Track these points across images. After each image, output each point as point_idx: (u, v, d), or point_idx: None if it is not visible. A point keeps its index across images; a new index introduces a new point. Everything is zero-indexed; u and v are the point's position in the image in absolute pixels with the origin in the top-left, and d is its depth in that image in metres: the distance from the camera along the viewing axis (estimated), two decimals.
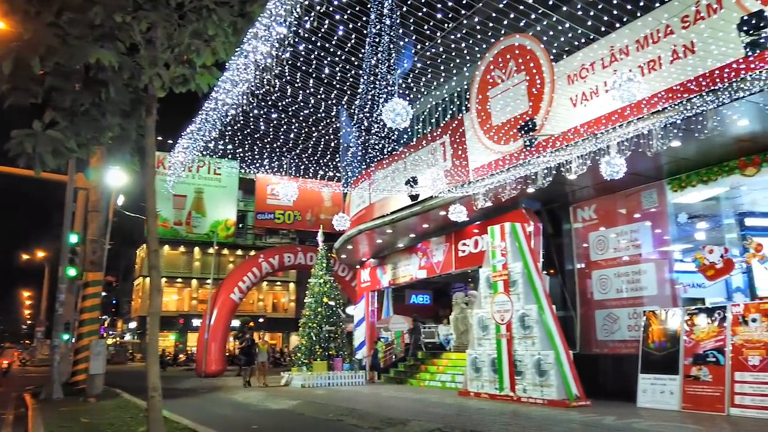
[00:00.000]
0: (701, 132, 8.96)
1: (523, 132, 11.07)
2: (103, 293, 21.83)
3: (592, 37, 10.92)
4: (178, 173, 15.91)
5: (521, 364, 12.14)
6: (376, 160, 20.02)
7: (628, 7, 9.80)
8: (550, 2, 10.19)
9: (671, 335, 10.64)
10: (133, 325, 50.38)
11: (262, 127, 13.71)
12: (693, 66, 9.18)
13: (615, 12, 10.16)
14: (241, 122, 12.62)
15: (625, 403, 10.76)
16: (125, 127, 6.02)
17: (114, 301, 59.52)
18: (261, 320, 47.24)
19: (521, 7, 10.45)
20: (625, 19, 10.26)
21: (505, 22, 11.64)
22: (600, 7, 10.03)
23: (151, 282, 5.87)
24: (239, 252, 49.74)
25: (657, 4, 9.82)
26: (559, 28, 11.67)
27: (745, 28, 7.15)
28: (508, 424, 9.05)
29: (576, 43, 11.94)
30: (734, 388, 9.27)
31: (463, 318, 17.99)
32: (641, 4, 9.90)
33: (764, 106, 8.34)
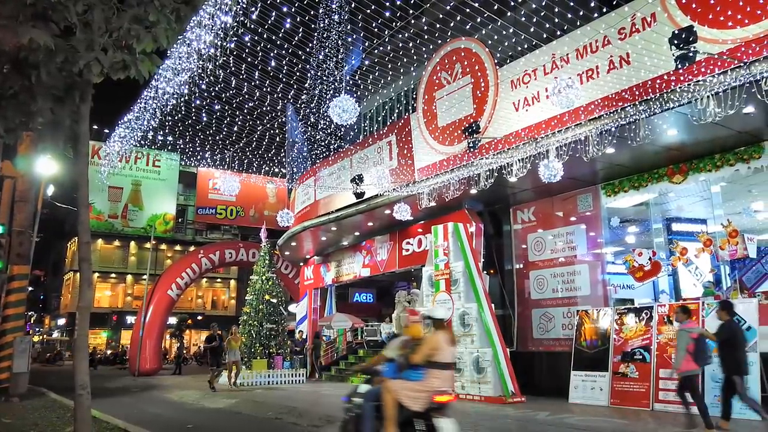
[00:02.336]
0: (634, 140, 9.39)
1: (467, 134, 11.28)
2: (30, 288, 20.72)
3: (534, 43, 11.25)
4: (113, 164, 15.32)
5: (460, 362, 12.35)
6: (322, 156, 19.90)
7: (569, 16, 10.14)
8: (495, 7, 10.42)
9: (602, 334, 11.10)
10: (61, 321, 48.03)
11: (205, 119, 13.38)
12: (628, 76, 9.61)
13: (557, 20, 10.50)
14: (183, 113, 12.27)
15: (558, 399, 11.15)
16: (57, 113, 5.73)
17: (42, 297, 56.57)
18: (200, 317, 46.03)
19: (468, 11, 10.64)
20: (566, 28, 10.62)
21: (452, 25, 11.82)
22: (543, 14, 10.34)
23: (82, 275, 5.61)
24: (178, 247, 48.29)
25: (596, 15, 10.21)
26: (504, 33, 11.97)
27: (675, 42, 7.54)
28: None
29: (519, 48, 12.28)
30: (659, 384, 9.78)
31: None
32: (581, 14, 10.28)
33: (692, 117, 8.83)
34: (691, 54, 7.48)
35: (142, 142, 13.18)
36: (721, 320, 8.14)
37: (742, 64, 7.95)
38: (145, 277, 31.22)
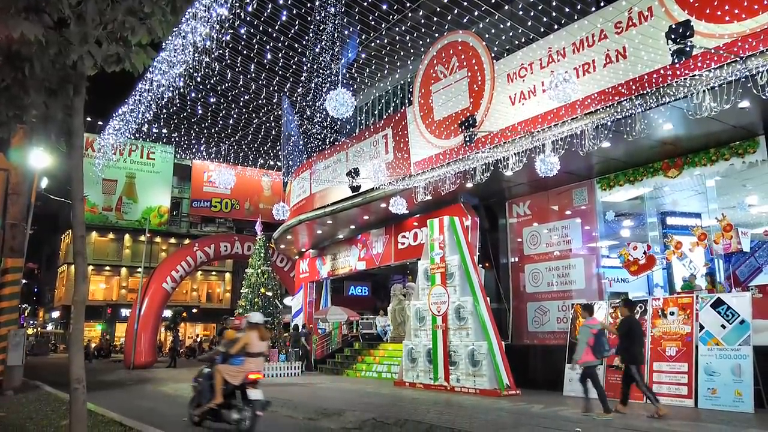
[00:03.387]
0: (630, 134, 9.40)
1: (463, 128, 11.26)
2: (24, 281, 20.61)
3: (531, 37, 11.22)
4: (108, 156, 15.23)
5: (455, 355, 12.41)
6: (317, 150, 19.85)
7: (566, 9, 10.12)
8: (492, 0, 10.38)
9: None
10: (56, 314, 47.89)
11: (200, 112, 13.29)
12: (624, 70, 9.61)
13: (554, 14, 10.48)
14: (178, 105, 12.19)
15: (552, 392, 11.21)
16: (51, 106, 5.67)
17: (36, 290, 56.34)
18: (194, 310, 45.99)
19: (464, 4, 10.60)
20: (563, 22, 10.60)
21: (449, 18, 11.78)
22: (540, 8, 10.31)
23: (77, 269, 5.57)
24: (173, 240, 48.12)
25: (593, 9, 10.19)
26: (501, 26, 11.94)
27: (672, 37, 7.54)
28: (441, 413, 9.24)
29: (516, 42, 12.25)
30: (652, 377, 9.84)
31: (401, 309, 18.20)
32: (579, 7, 10.25)
33: (688, 112, 8.83)
34: (687, 48, 7.50)
35: (137, 134, 13.08)
36: (622, 316, 9.16)
37: (738, 59, 7.95)
38: (139, 269, 31.12)
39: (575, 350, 9.01)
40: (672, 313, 10.01)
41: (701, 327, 9.49)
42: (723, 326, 9.22)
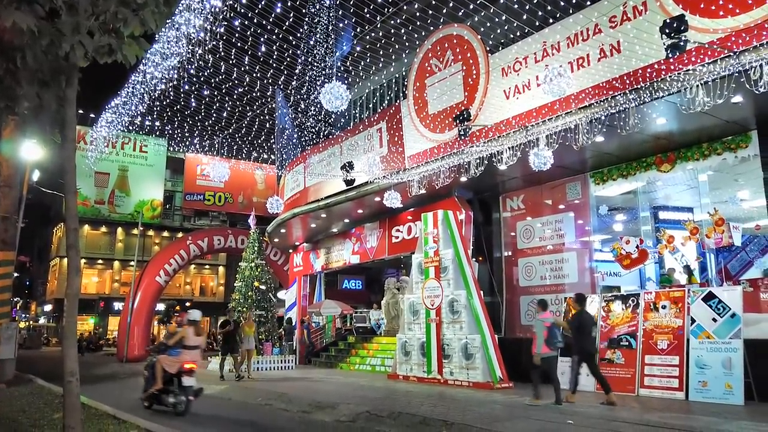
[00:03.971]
0: (623, 128, 9.43)
1: (458, 121, 11.26)
2: (16, 274, 20.46)
3: (526, 30, 11.21)
4: (100, 149, 15.14)
5: (449, 348, 12.45)
6: (312, 143, 19.80)
7: (561, 3, 10.11)
8: None
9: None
10: (48, 307, 47.67)
11: (194, 104, 13.21)
12: (618, 65, 9.62)
13: (549, 8, 10.47)
14: (171, 98, 12.11)
15: (545, 384, 11.25)
16: (43, 97, 5.63)
17: (27, 283, 56.03)
18: (188, 304, 45.82)
19: None
20: (558, 15, 10.59)
21: (444, 11, 11.75)
22: (535, 2, 10.30)
23: (70, 262, 5.55)
24: (166, 234, 47.96)
25: (588, 3, 10.19)
26: (496, 20, 11.92)
27: (666, 31, 7.55)
28: (434, 406, 9.28)
29: (511, 36, 12.24)
30: (644, 370, 9.93)
31: (395, 303, 18.22)
32: (573, 1, 10.25)
33: (681, 106, 8.87)
34: (681, 43, 7.51)
35: (130, 127, 13.01)
36: (574, 310, 9.64)
37: (731, 54, 7.98)
38: (132, 263, 31.00)
39: (534, 344, 9.49)
40: (664, 307, 10.08)
41: (692, 320, 9.56)
42: (714, 320, 9.29)
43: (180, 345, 9.57)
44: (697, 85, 8.26)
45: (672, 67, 8.64)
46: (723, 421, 7.36)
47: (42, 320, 50.16)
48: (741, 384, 8.67)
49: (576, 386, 9.45)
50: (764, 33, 7.84)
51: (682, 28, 7.45)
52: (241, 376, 14.70)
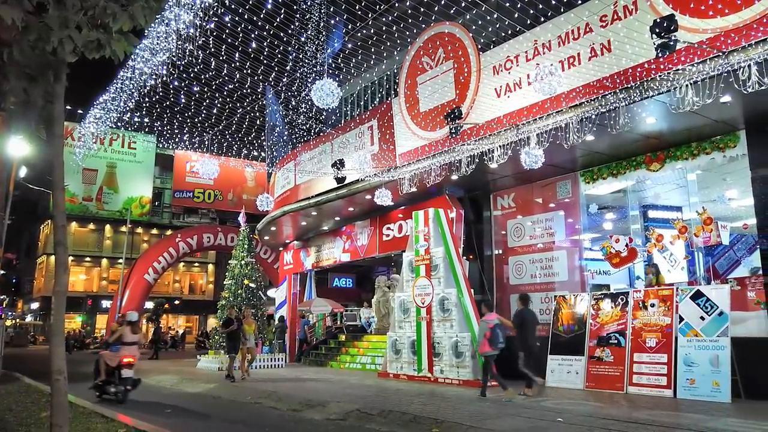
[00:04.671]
0: (613, 127, 9.47)
1: (449, 120, 11.25)
2: (2, 271, 20.25)
3: (518, 29, 11.22)
4: (88, 145, 14.99)
5: (439, 346, 12.47)
6: (302, 140, 19.72)
7: (553, 2, 10.13)
8: None
9: (579, 319, 11.28)
10: (35, 305, 47.21)
11: (183, 101, 13.10)
12: (609, 64, 9.66)
13: (540, 6, 10.48)
14: (161, 94, 12.01)
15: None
16: (30, 92, 5.55)
17: (14, 280, 55.42)
18: (177, 302, 45.64)
19: None
20: (549, 14, 10.61)
21: (436, 9, 11.73)
22: (527, 1, 10.31)
23: (58, 259, 5.48)
24: (154, 231, 47.65)
25: (579, 2, 10.22)
26: (487, 18, 11.92)
27: (656, 31, 7.59)
28: (424, 404, 9.30)
29: (502, 34, 12.25)
30: (633, 368, 10.00)
31: (385, 301, 18.22)
32: (565, 0, 10.27)
33: (671, 106, 8.92)
34: (671, 43, 7.55)
35: (118, 123, 12.87)
36: (519, 308, 10.56)
37: (720, 54, 8.03)
38: (120, 261, 30.80)
39: (477, 342, 10.49)
40: (652, 305, 10.15)
41: (681, 318, 9.64)
42: (702, 318, 9.38)
43: (119, 342, 11.00)
44: (687, 85, 8.30)
45: (662, 67, 8.69)
46: (710, 418, 7.43)
47: (29, 318, 49.67)
48: (728, 381, 8.75)
49: (531, 380, 10.07)
50: (753, 33, 7.90)
51: (672, 27, 7.49)
52: (241, 377, 14.42)
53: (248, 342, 14.78)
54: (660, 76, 8.73)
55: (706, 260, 12.52)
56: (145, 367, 19.33)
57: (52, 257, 40.05)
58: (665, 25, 7.53)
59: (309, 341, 20.67)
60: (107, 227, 45.73)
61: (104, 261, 45.61)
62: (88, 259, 45.46)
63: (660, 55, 7.68)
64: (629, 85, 9.15)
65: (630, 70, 9.28)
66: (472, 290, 12.87)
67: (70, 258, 42.52)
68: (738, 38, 8.02)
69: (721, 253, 13.32)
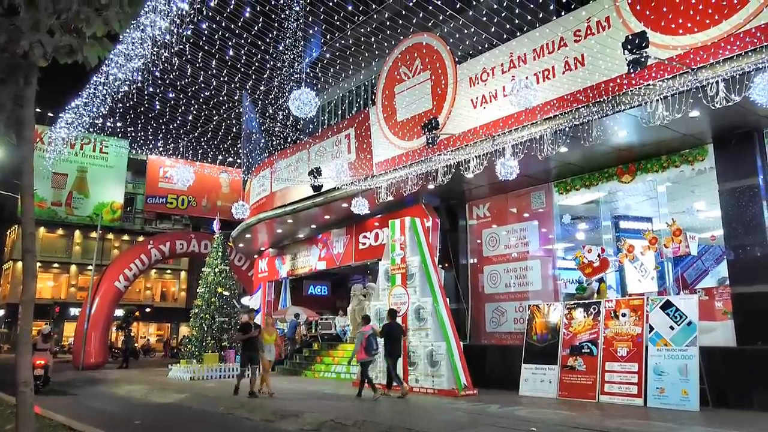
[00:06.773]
0: (586, 140, 9.64)
1: (426, 130, 11.32)
2: None
3: (494, 42, 11.38)
4: (59, 149, 14.69)
5: (414, 355, 12.47)
6: (279, 148, 19.62)
7: (528, 17, 10.30)
8: (457, 5, 10.47)
9: (552, 328, 11.40)
10: (0, 312, 45.83)
11: (158, 107, 12.94)
12: (582, 78, 9.85)
13: (516, 21, 10.65)
14: (135, 100, 11.84)
15: (509, 391, 11.39)
16: None
17: None
18: (148, 309, 44.78)
19: (429, 7, 10.67)
20: (524, 29, 10.78)
21: (414, 21, 11.83)
22: (503, 14, 10.47)
23: (26, 267, 5.35)
24: (126, 237, 46.75)
25: (554, 17, 10.41)
26: (465, 31, 12.05)
27: (628, 47, 7.77)
28: (399, 413, 9.28)
29: (479, 47, 12.40)
30: (604, 377, 10.13)
31: (361, 310, 18.14)
32: (540, 15, 10.44)
33: (641, 120, 9.12)
34: (642, 59, 7.74)
35: (91, 128, 12.65)
36: (386, 322, 12.04)
37: (690, 70, 8.26)
38: (90, 267, 30.09)
39: (354, 350, 11.97)
40: (624, 315, 10.31)
41: (651, 328, 9.81)
42: (672, 327, 9.56)
43: (33, 348, 12.19)
44: (657, 100, 8.52)
45: (633, 82, 8.90)
46: (679, 426, 7.56)
47: None
48: (696, 390, 8.93)
49: (392, 383, 11.97)
50: (720, 51, 8.15)
51: (643, 44, 7.68)
52: (254, 394, 12.18)
53: (268, 354, 12.80)
54: (631, 90, 8.94)
55: (675, 270, 12.81)
56: (113, 376, 18.92)
57: (19, 263, 38.97)
58: (637, 41, 7.72)
59: (297, 341, 20.49)
60: (77, 233, 44.70)
61: (73, 267, 44.55)
62: (56, 265, 44.35)
63: (631, 70, 7.86)
64: (602, 99, 9.34)
65: (603, 85, 9.47)
66: (447, 299, 12.92)
67: (38, 264, 41.42)
68: (706, 56, 8.26)
69: (689, 264, 13.64)
